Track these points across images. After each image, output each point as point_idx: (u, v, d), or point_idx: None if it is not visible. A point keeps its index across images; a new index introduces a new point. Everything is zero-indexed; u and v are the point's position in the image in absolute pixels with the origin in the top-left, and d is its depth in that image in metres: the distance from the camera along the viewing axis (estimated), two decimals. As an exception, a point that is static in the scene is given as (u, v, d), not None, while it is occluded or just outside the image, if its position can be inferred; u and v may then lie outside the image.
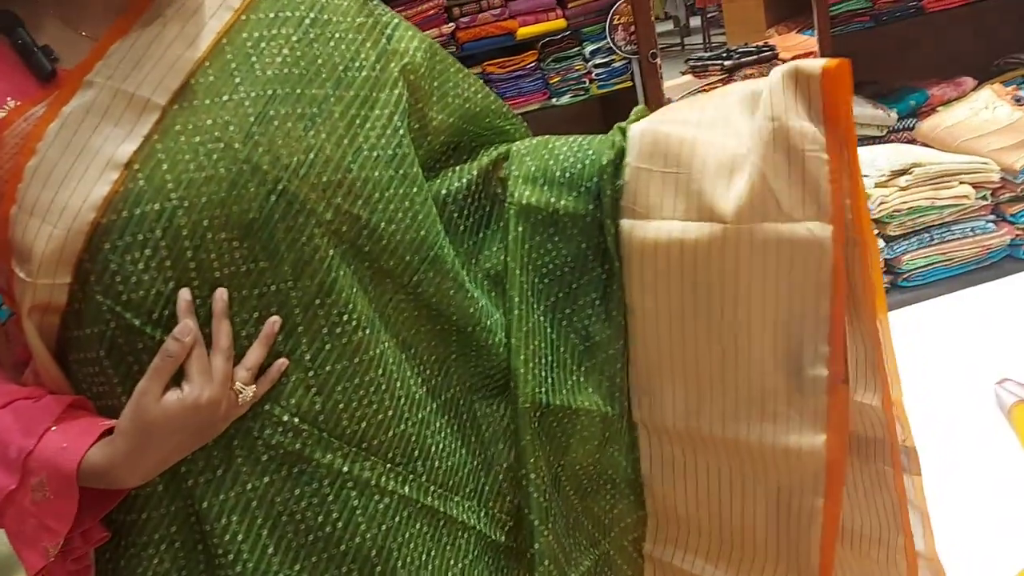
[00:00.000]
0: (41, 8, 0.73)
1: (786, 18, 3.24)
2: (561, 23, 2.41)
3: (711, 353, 0.87)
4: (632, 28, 2.43)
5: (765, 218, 0.81)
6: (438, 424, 0.85)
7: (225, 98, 0.73)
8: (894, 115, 2.66)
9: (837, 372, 0.82)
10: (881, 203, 2.32)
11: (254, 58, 0.75)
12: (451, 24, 2.33)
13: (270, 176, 0.72)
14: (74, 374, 0.74)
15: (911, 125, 2.69)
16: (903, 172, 2.34)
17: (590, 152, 0.90)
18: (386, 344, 0.80)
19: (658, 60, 2.47)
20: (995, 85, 2.65)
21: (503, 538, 0.90)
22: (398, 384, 0.81)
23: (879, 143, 2.63)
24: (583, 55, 2.46)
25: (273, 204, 0.73)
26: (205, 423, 0.71)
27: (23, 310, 0.71)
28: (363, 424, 0.78)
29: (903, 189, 2.32)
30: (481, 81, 0.97)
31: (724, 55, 3.05)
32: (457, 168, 0.94)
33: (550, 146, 0.93)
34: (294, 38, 0.77)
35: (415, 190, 0.82)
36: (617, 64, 2.46)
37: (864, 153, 2.41)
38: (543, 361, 0.89)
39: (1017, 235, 2.39)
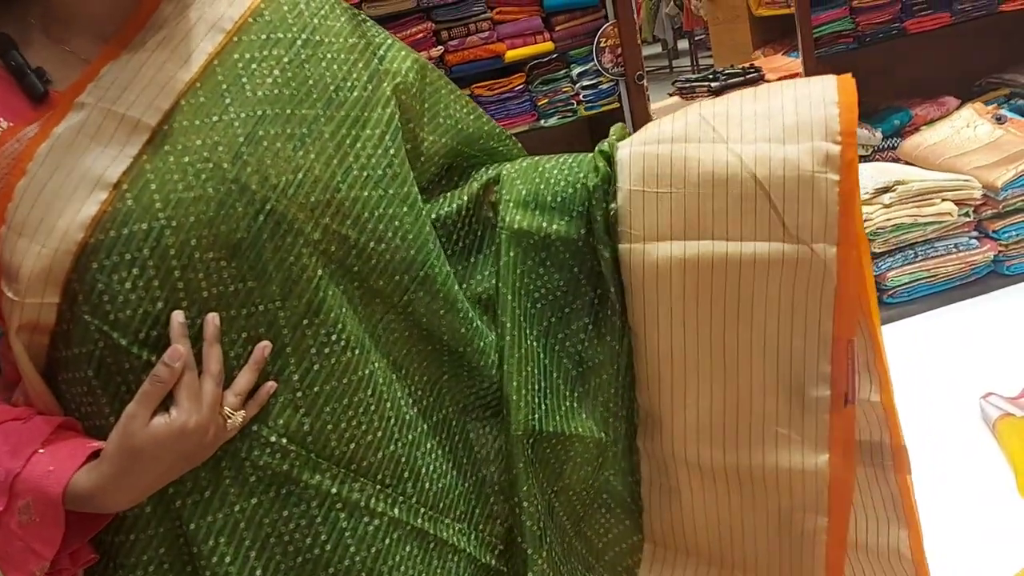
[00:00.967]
0: (27, 24, 0.74)
1: (772, 40, 3.28)
2: (548, 46, 2.42)
3: (713, 374, 0.86)
4: (619, 50, 2.45)
5: (769, 237, 0.80)
6: (429, 445, 0.84)
7: (215, 119, 0.73)
8: (879, 135, 2.69)
9: (839, 392, 0.82)
10: (865, 220, 2.34)
11: (245, 79, 0.75)
12: (440, 47, 2.34)
13: (258, 196, 0.73)
14: (63, 394, 0.74)
15: (895, 144, 2.72)
16: (886, 190, 2.35)
17: (580, 175, 0.90)
18: (376, 364, 0.80)
19: (644, 82, 2.49)
20: (976, 104, 2.69)
21: (493, 561, 0.89)
22: (388, 405, 0.80)
23: (863, 162, 2.65)
24: (571, 77, 2.47)
25: (261, 224, 0.73)
26: (193, 448, 0.71)
27: (11, 329, 0.71)
28: (352, 445, 0.77)
29: (887, 207, 2.33)
30: (473, 102, 0.97)
31: (711, 76, 3.08)
32: (448, 193, 0.94)
33: (540, 169, 0.93)
34: (285, 59, 0.78)
35: (405, 209, 0.82)
36: (604, 86, 2.48)
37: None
38: (536, 388, 0.88)
39: (1000, 251, 2.41)
